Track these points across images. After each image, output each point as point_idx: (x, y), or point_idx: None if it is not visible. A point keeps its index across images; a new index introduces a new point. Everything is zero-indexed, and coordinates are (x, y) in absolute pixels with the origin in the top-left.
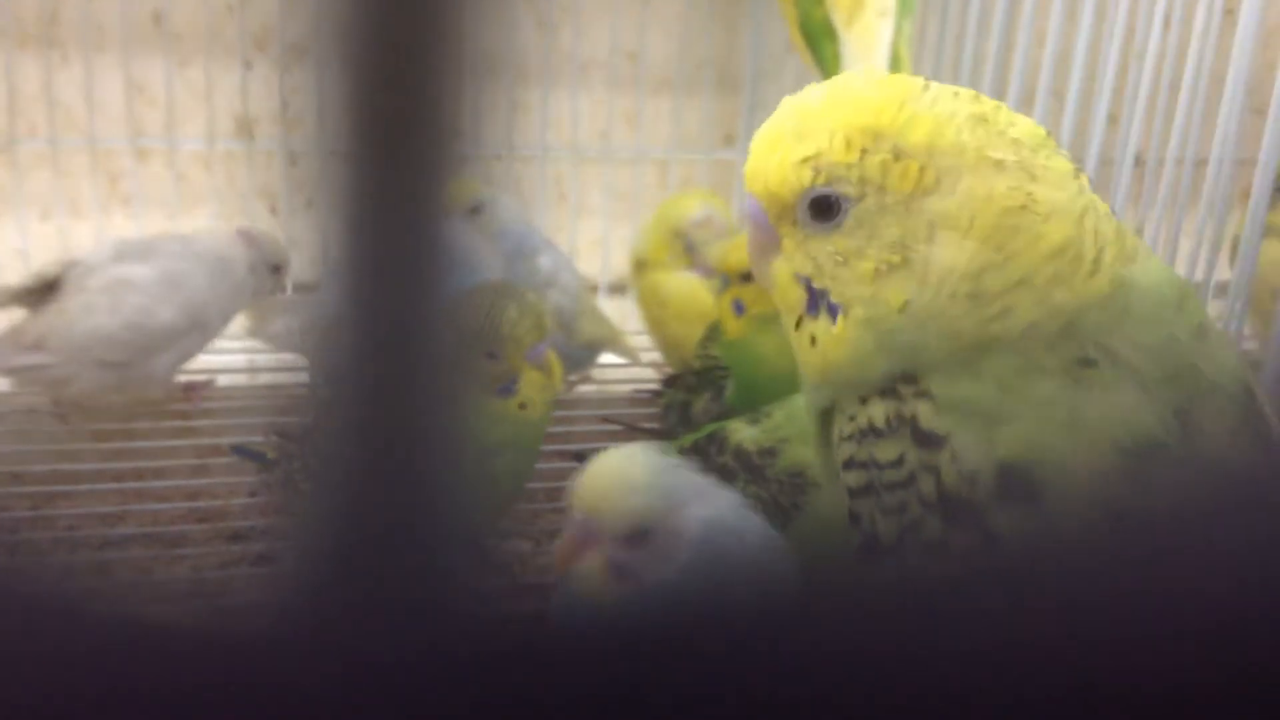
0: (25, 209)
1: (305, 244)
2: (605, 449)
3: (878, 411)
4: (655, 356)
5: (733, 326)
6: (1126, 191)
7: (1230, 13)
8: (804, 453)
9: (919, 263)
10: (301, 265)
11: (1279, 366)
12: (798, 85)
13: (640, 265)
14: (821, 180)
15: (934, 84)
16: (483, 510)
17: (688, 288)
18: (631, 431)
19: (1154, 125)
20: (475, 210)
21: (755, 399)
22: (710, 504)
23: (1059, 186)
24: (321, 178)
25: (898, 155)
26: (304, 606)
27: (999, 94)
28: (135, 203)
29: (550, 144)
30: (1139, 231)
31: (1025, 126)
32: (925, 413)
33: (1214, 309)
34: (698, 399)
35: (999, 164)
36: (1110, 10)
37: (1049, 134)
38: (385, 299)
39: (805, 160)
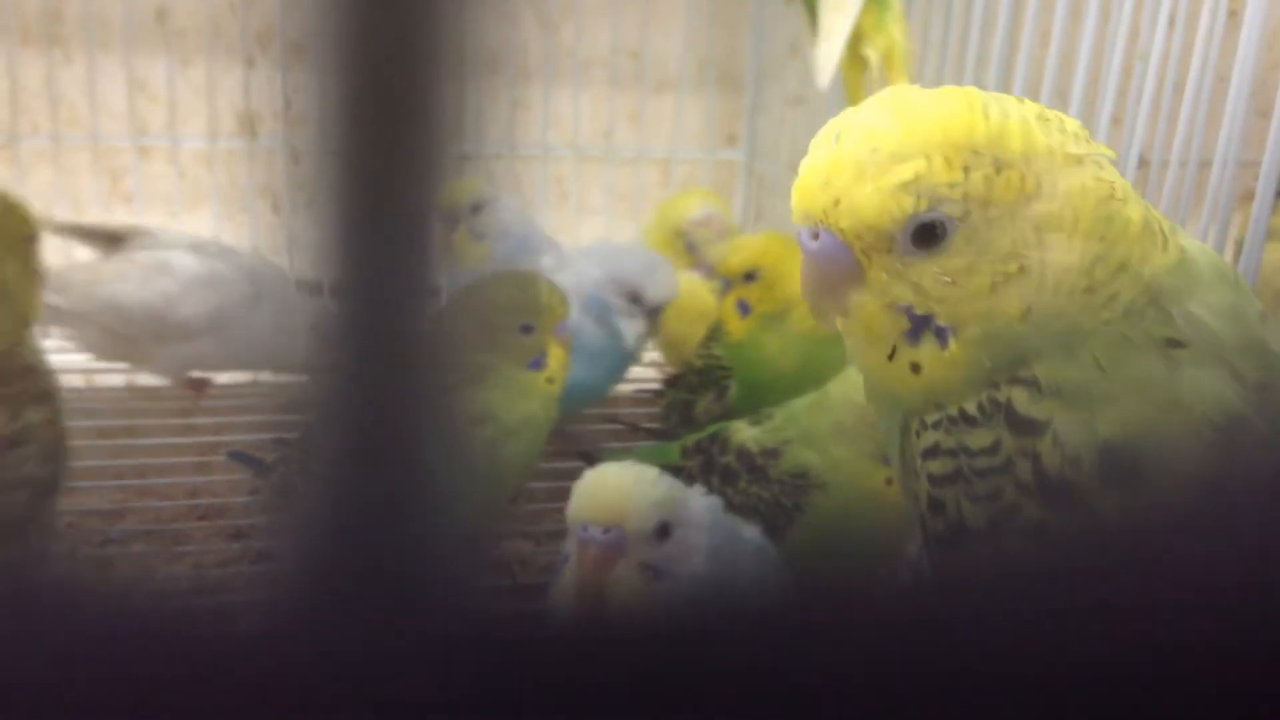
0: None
1: (306, 242)
2: (609, 448)
3: (969, 400)
4: (656, 356)
5: (736, 327)
6: None
7: (1234, 14)
8: (806, 454)
9: (1035, 268)
10: (302, 263)
11: None
12: (800, 85)
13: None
14: (925, 205)
15: (986, 91)
16: (488, 498)
17: (689, 287)
18: (634, 431)
19: (1158, 127)
20: (475, 209)
21: (758, 400)
22: (700, 495)
23: (1117, 171)
24: (319, 175)
25: (999, 168)
26: (302, 604)
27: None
28: (137, 200)
29: (552, 143)
30: None
31: (1071, 121)
32: (1021, 399)
33: None
34: (700, 399)
35: (1079, 159)
36: (1115, 11)
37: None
38: (380, 296)
39: (904, 185)
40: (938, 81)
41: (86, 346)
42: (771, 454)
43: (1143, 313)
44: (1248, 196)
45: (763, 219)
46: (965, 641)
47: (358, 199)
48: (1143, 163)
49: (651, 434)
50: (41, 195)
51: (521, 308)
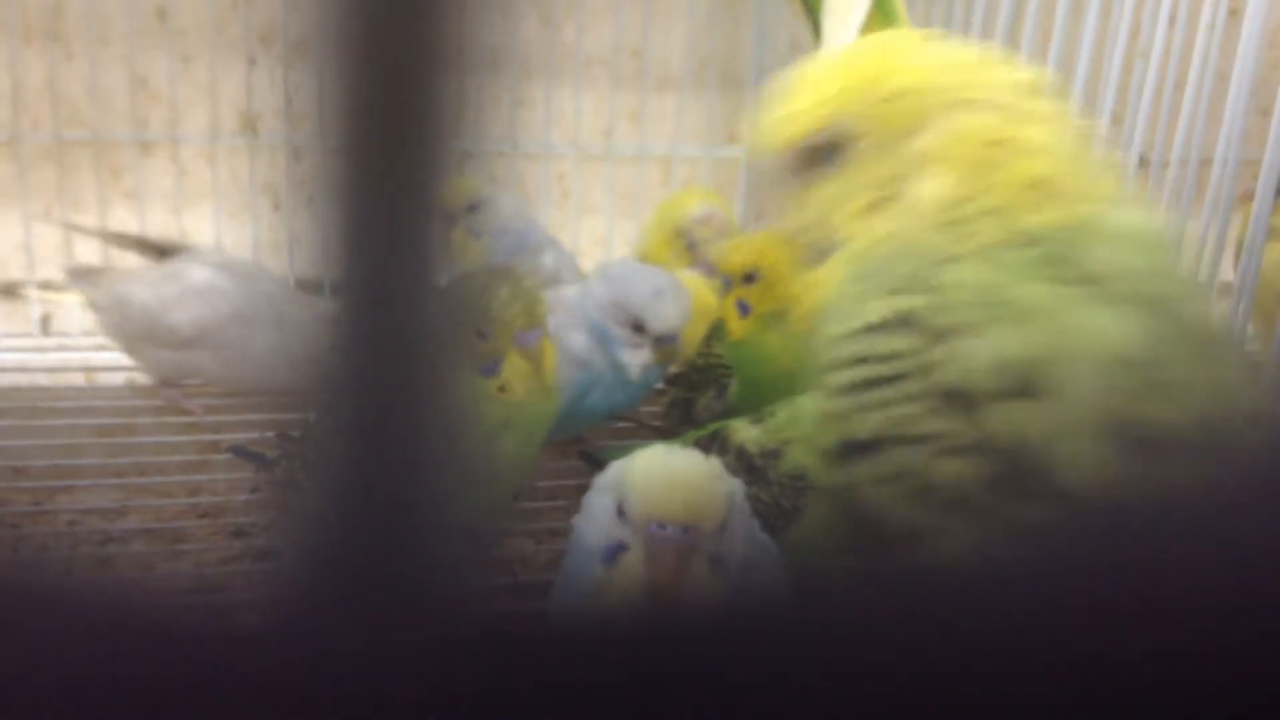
0: (29, 203)
1: (307, 240)
2: (609, 446)
3: (877, 309)
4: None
5: (737, 327)
6: (1130, 191)
7: (1235, 13)
8: (804, 455)
9: (906, 196)
10: (303, 261)
11: None
12: None
13: (643, 263)
14: (821, 127)
15: (938, 37)
16: (479, 500)
17: (690, 285)
18: (636, 428)
19: (1158, 125)
20: (473, 208)
21: (759, 399)
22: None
23: (1046, 129)
24: (320, 173)
25: (889, 99)
26: (303, 602)
27: None
28: (138, 197)
29: (553, 141)
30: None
31: (1021, 74)
32: (926, 310)
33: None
34: (700, 397)
35: (983, 104)
36: (1115, 9)
37: (1057, 84)
38: (380, 294)
39: (807, 110)
40: None
41: (113, 341)
42: (771, 455)
43: (1020, 252)
44: (1248, 195)
45: (764, 217)
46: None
47: (358, 197)
48: (1143, 161)
49: (653, 431)
50: (43, 192)
51: (477, 312)
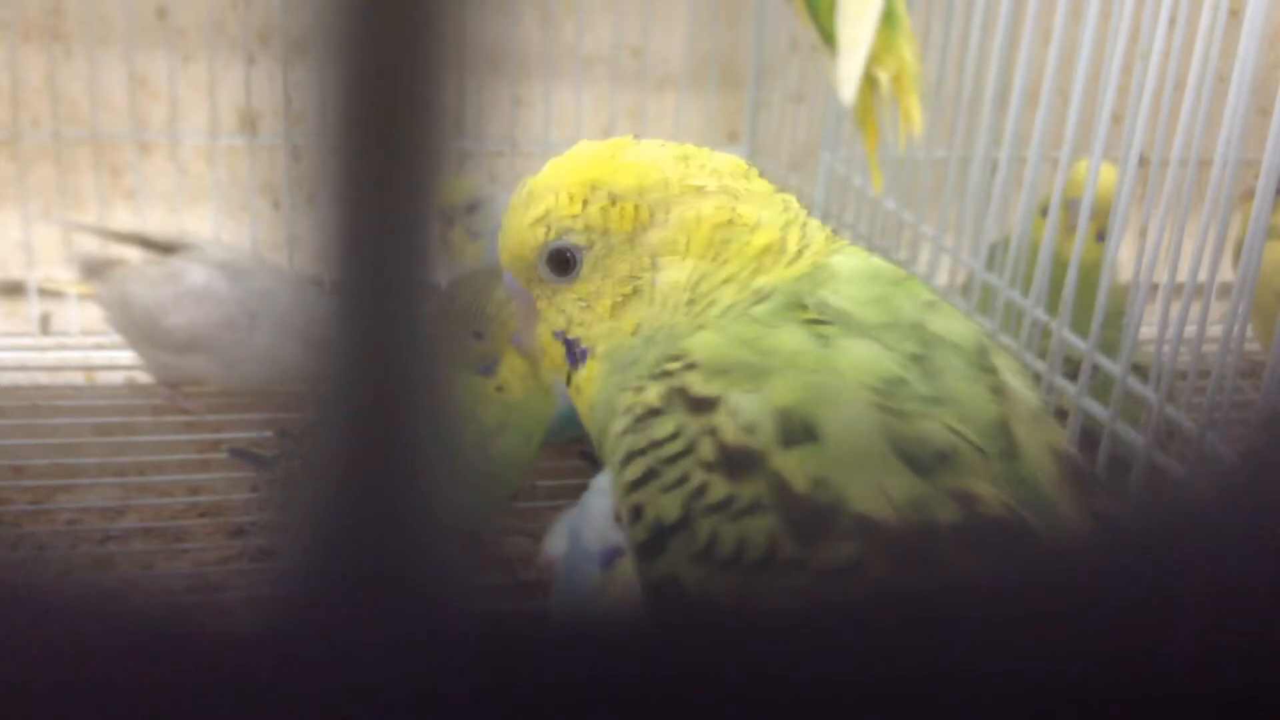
0: (28, 202)
1: (306, 239)
2: None
3: (652, 393)
4: None
5: None
6: (1130, 191)
7: (1235, 13)
8: None
9: (647, 289)
10: (302, 260)
11: None
12: (802, 82)
13: None
14: (554, 235)
15: (642, 140)
16: (476, 499)
17: None
18: None
19: (1158, 125)
20: (471, 208)
21: None
22: None
23: (762, 204)
24: (317, 172)
25: (614, 200)
26: (301, 601)
27: (1003, 92)
28: (138, 196)
29: (553, 140)
30: (1142, 232)
31: (726, 159)
32: (695, 381)
33: (1217, 311)
34: None
35: (702, 190)
36: (1115, 10)
37: (750, 165)
38: (377, 293)
39: (538, 220)
40: (938, 81)
41: (120, 335)
42: None
43: (756, 305)
44: (1248, 195)
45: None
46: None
47: (356, 196)
48: (1143, 161)
49: None
50: (42, 191)
51: (474, 313)
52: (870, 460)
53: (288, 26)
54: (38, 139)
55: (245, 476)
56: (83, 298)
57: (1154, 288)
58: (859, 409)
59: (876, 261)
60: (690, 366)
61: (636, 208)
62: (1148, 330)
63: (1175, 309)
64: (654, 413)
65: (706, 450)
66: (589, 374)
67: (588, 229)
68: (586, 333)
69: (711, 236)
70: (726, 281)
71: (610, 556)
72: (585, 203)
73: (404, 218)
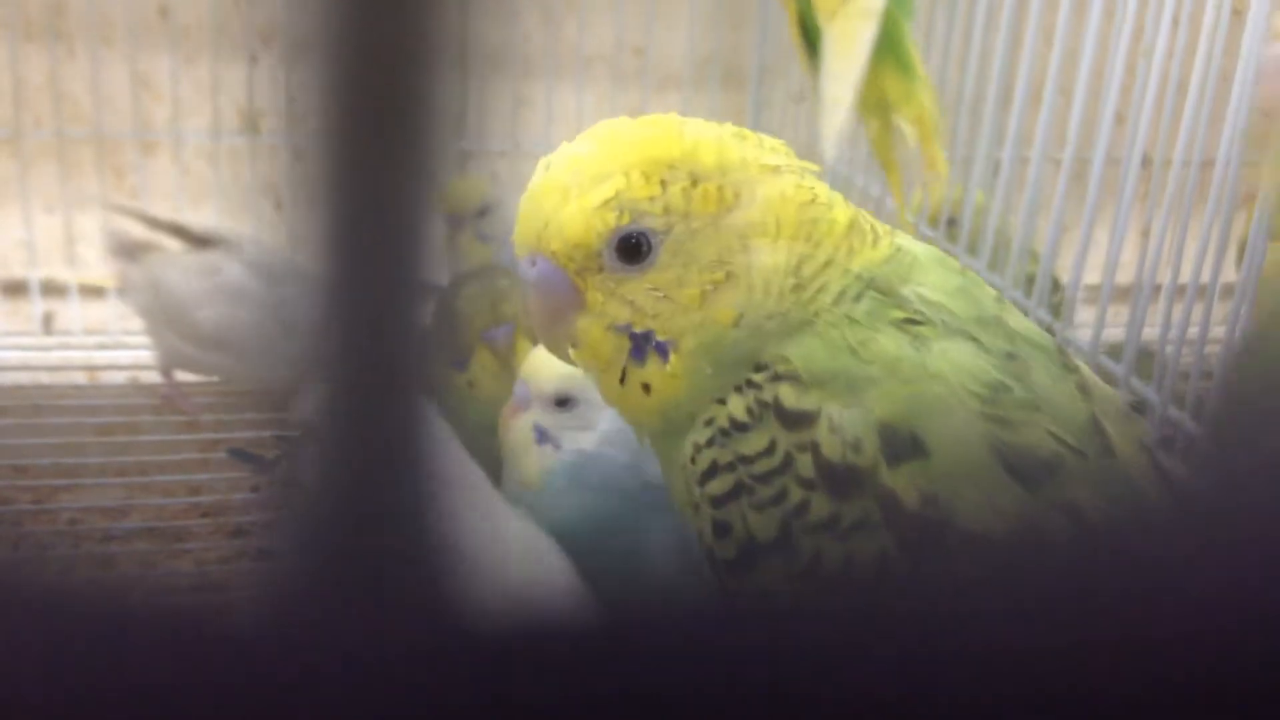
0: (31, 201)
1: (308, 239)
2: None
3: (737, 406)
4: None
5: None
6: (1133, 191)
7: (1238, 13)
8: None
9: (742, 274)
10: (303, 261)
11: None
12: (803, 81)
13: None
14: (627, 219)
15: (688, 118)
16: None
17: None
18: None
19: (1161, 125)
20: (482, 212)
21: None
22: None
23: (821, 180)
24: (318, 172)
25: (695, 181)
26: (302, 601)
27: (1006, 92)
28: (140, 196)
29: (555, 140)
30: (1145, 232)
31: (771, 139)
32: (788, 394)
33: (1219, 311)
34: None
35: (777, 169)
36: (1118, 10)
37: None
38: (376, 293)
39: (607, 203)
40: (940, 81)
41: (142, 320)
42: None
43: (860, 297)
44: (1251, 196)
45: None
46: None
47: (358, 196)
48: (1146, 161)
49: None
50: (45, 191)
51: (453, 310)
52: (979, 475)
53: (290, 27)
54: (40, 138)
55: (246, 476)
56: (86, 294)
57: (1157, 288)
58: (965, 420)
59: (931, 248)
60: (777, 378)
61: (720, 188)
62: (1150, 331)
63: (1178, 310)
64: (740, 427)
65: (805, 466)
66: (673, 370)
67: (667, 212)
68: (666, 325)
69: (800, 216)
70: (828, 264)
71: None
72: (664, 184)
73: (405, 218)
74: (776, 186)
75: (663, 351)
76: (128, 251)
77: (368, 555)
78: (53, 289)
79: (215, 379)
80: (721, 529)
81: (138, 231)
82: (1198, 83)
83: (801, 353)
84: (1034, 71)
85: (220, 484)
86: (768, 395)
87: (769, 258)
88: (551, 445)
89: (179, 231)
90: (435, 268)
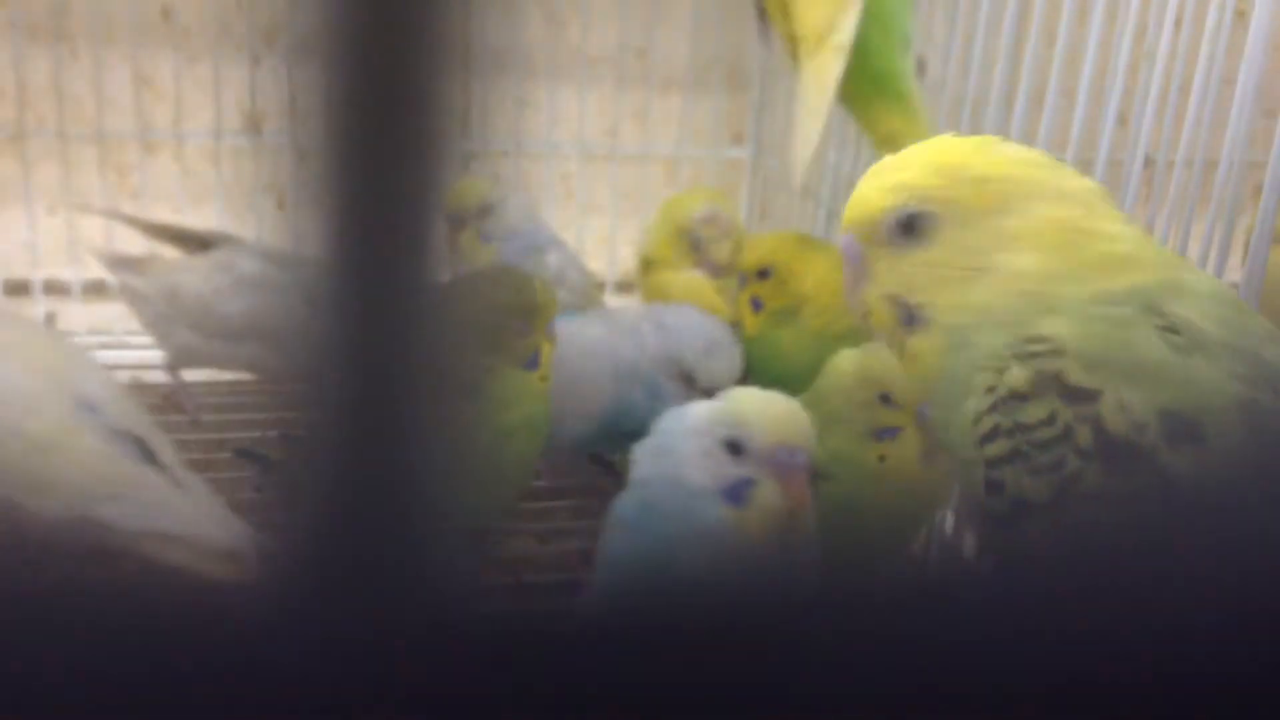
0: (33, 201)
1: (311, 239)
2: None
3: (1018, 378)
4: None
5: (751, 323)
6: (1136, 192)
7: (1241, 15)
8: (837, 437)
9: (995, 270)
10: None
11: None
12: None
13: (647, 264)
14: (910, 200)
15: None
16: (489, 498)
17: (694, 286)
18: None
19: (1164, 126)
20: (483, 212)
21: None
22: None
23: (1121, 223)
24: (321, 171)
25: (980, 181)
26: (303, 597)
27: (1009, 93)
28: (142, 196)
29: (557, 141)
30: (1148, 233)
31: (1090, 181)
32: (1072, 369)
33: None
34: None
35: (1064, 194)
36: (1121, 11)
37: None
38: (381, 292)
39: (897, 185)
40: (940, 81)
41: (151, 331)
42: None
43: (1116, 304)
44: (1255, 196)
45: (768, 218)
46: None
47: (361, 196)
48: (1149, 163)
49: None
50: (47, 191)
51: (517, 307)
52: (1242, 473)
53: (292, 26)
54: (43, 138)
55: (250, 476)
56: (90, 298)
57: None
58: (1239, 417)
59: (1225, 286)
60: (1058, 352)
61: (996, 192)
62: None
63: None
64: (1021, 397)
65: (1084, 438)
66: (930, 345)
67: (946, 201)
68: (928, 301)
69: (1062, 237)
70: (1070, 279)
71: (740, 490)
72: (951, 178)
73: (409, 217)
74: (1053, 207)
75: (924, 324)
76: (129, 266)
77: (372, 552)
78: (55, 289)
79: (248, 374)
80: (994, 486)
81: (134, 245)
82: (1200, 84)
83: (1070, 334)
84: (1036, 73)
85: (224, 483)
86: (1049, 367)
87: (1021, 262)
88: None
89: (174, 236)
90: (440, 267)
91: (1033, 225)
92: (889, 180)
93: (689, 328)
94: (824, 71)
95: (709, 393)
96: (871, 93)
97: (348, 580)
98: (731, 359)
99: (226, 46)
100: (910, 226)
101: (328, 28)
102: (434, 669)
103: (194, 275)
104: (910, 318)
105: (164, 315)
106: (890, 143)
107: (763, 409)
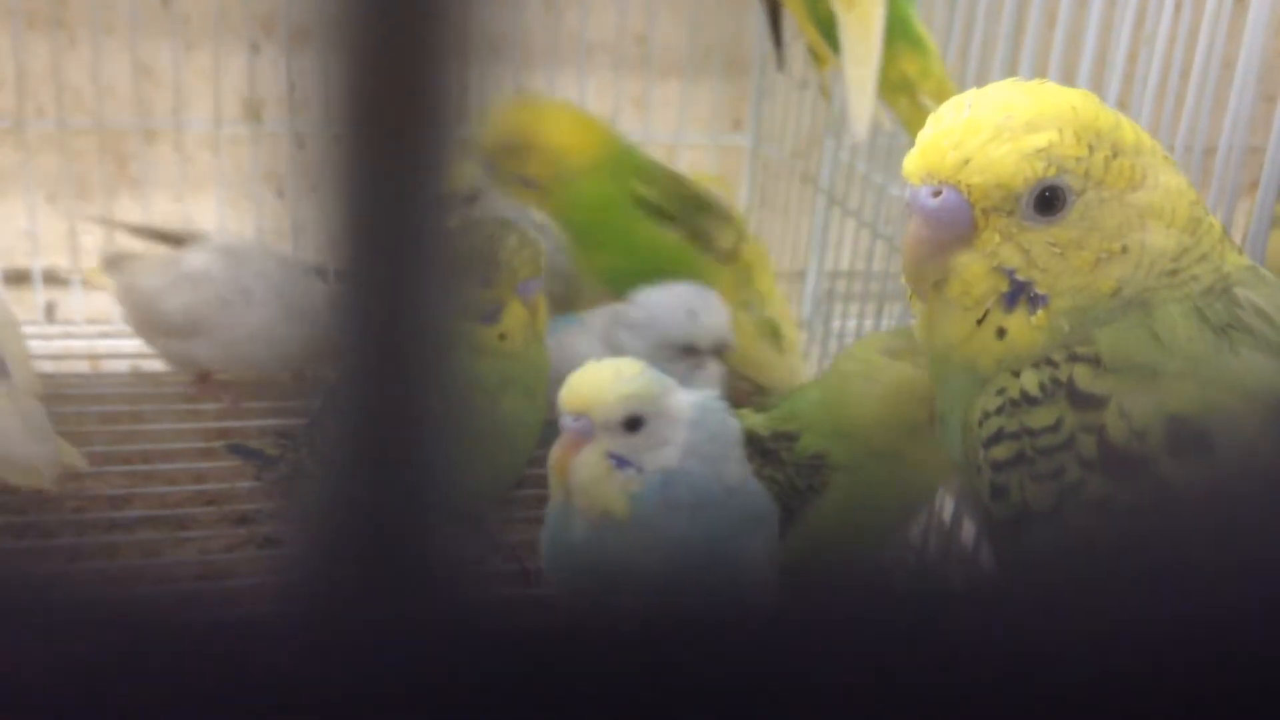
0: (33, 190)
1: (311, 227)
2: None
3: (1030, 380)
4: None
5: (535, 201)
6: None
7: None
8: (821, 441)
9: (1134, 249)
10: (307, 249)
11: None
12: (806, 71)
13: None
14: (1054, 171)
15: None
16: (489, 471)
17: None
18: None
19: (1163, 112)
20: (472, 198)
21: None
22: (687, 393)
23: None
24: (322, 160)
25: (1115, 153)
26: (307, 588)
27: (1009, 77)
28: (142, 185)
29: None
30: None
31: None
32: (1083, 375)
33: None
34: None
35: (1173, 163)
36: None
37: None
38: (384, 282)
39: (1040, 152)
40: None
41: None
42: (785, 437)
43: (1220, 295)
44: (1254, 183)
45: (767, 204)
46: (1034, 623)
47: (361, 184)
48: None
49: None
50: (47, 180)
51: (479, 258)
52: (1255, 480)
53: (291, 15)
54: (42, 127)
55: (251, 464)
56: (90, 288)
57: None
58: (1254, 431)
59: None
60: (1075, 359)
61: (1134, 166)
62: None
63: None
64: (1030, 400)
65: (1088, 447)
66: (1038, 323)
67: (1088, 175)
68: (1050, 281)
69: (1191, 211)
70: (1204, 259)
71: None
72: (1090, 148)
73: (410, 206)
74: (1175, 179)
75: (1035, 304)
76: (112, 264)
77: (377, 542)
78: (55, 278)
79: (203, 368)
80: (999, 491)
81: (128, 244)
82: (1200, 69)
83: (1109, 336)
84: (1036, 58)
85: (224, 472)
86: (1062, 374)
87: (1160, 240)
88: (634, 469)
89: (161, 236)
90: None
91: (1162, 199)
92: (1031, 143)
93: (663, 305)
94: (868, 18)
95: (717, 351)
96: (887, 36)
97: (359, 572)
98: (717, 310)
99: (226, 35)
100: (1045, 200)
101: (326, 14)
102: (448, 662)
103: (144, 273)
104: (1017, 296)
105: (129, 313)
106: (904, 88)
107: (572, 379)
